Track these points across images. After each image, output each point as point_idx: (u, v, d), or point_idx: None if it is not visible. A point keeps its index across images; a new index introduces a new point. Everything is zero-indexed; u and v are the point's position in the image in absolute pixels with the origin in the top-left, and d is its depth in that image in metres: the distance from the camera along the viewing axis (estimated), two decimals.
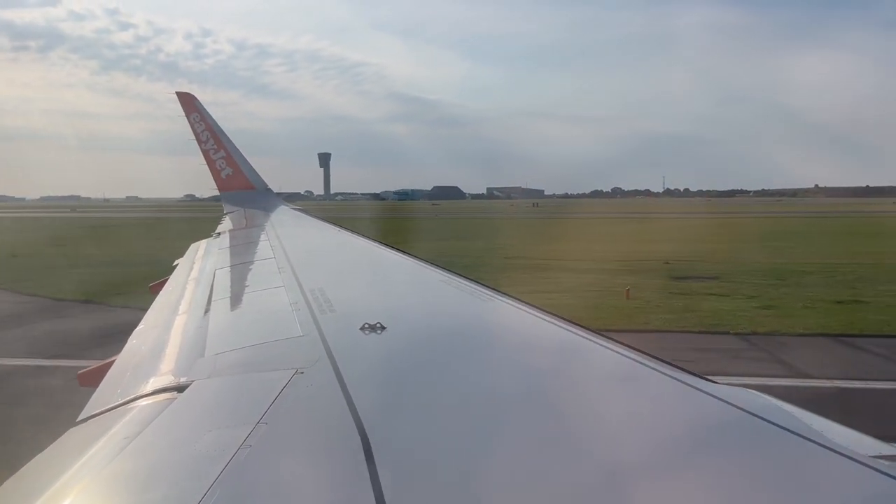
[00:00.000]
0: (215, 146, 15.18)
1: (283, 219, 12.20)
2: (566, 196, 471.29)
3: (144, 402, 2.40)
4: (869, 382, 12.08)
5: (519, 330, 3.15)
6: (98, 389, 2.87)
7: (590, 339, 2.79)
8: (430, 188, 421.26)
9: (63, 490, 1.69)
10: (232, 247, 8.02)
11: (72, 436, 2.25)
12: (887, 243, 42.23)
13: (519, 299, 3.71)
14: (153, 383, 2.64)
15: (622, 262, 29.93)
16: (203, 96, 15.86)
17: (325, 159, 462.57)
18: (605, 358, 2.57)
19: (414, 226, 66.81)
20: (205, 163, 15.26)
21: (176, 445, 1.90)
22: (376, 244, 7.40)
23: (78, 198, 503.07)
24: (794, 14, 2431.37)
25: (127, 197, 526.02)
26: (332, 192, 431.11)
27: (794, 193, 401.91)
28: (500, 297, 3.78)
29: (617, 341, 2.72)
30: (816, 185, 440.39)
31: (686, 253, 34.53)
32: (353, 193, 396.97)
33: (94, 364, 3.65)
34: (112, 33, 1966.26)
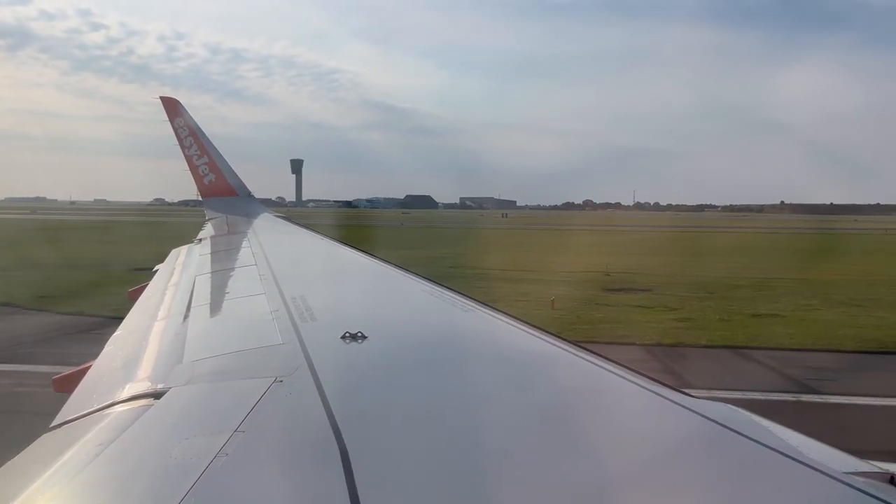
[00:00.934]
0: (198, 151, 14.85)
1: (265, 225, 12.07)
2: (538, 207, 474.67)
3: (120, 409, 2.35)
4: (748, 393, 12.46)
5: (499, 341, 3.14)
6: (73, 395, 2.83)
7: (569, 351, 2.79)
8: (402, 196, 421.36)
9: (33, 497, 1.65)
10: (213, 253, 7.93)
11: (44, 442, 2.20)
12: (829, 260, 43.40)
13: (500, 310, 3.71)
14: (129, 389, 2.58)
15: (565, 272, 30.39)
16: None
17: (297, 165, 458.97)
18: (584, 370, 2.56)
19: (375, 234, 66.60)
20: (186, 167, 14.89)
21: (151, 453, 1.87)
22: (359, 253, 7.28)
23: (44, 199, 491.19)
24: (766, 33, 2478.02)
25: (95, 199, 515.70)
26: (303, 198, 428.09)
27: (761, 209, 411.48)
28: (482, 308, 3.77)
29: (596, 353, 2.74)
30: (782, 202, 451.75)
31: (631, 265, 35.22)
32: (324, 200, 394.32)
33: (69, 369, 3.61)
34: (83, 34, 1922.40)
